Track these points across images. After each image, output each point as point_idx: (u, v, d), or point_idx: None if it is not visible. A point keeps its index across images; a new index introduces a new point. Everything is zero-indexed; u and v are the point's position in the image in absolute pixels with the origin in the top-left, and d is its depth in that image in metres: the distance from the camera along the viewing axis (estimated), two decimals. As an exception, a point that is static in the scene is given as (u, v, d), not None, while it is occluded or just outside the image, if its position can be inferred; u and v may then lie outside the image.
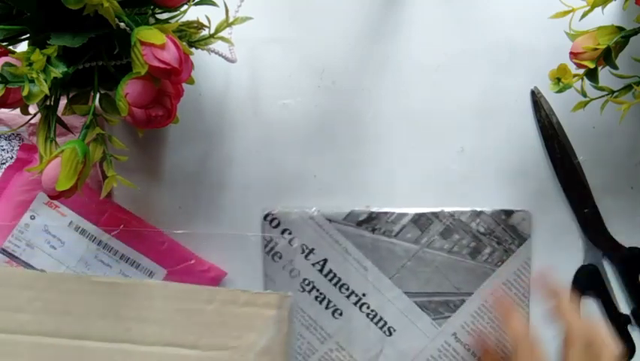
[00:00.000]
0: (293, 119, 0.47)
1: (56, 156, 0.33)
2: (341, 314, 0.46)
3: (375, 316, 0.46)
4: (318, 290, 0.46)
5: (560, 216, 0.47)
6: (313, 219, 0.45)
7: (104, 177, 0.40)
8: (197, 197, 0.47)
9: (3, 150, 0.46)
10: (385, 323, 0.46)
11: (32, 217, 0.45)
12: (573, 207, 0.47)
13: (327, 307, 0.46)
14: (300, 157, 0.47)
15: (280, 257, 0.46)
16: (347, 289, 0.46)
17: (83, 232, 0.46)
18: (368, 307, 0.46)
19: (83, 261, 0.46)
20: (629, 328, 0.47)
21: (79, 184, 0.33)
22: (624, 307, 0.47)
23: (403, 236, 0.45)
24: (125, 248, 0.46)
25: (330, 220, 0.45)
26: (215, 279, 0.47)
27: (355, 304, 0.46)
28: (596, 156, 0.47)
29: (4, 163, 0.46)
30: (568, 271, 0.47)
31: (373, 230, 0.45)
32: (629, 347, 0.47)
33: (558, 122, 0.46)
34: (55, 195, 0.33)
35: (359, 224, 0.45)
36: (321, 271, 0.45)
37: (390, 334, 0.46)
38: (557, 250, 0.47)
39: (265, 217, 0.45)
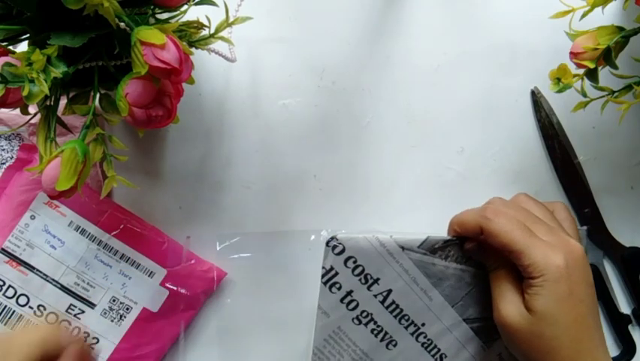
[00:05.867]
0: (293, 120, 0.47)
1: (56, 156, 0.33)
2: (395, 345, 0.42)
3: (430, 344, 0.43)
4: (375, 323, 0.42)
5: (560, 216, 0.47)
6: (384, 246, 0.40)
7: (104, 177, 0.40)
8: (197, 197, 0.47)
9: (3, 150, 0.46)
10: (439, 350, 0.43)
11: (32, 217, 0.45)
12: (573, 207, 0.47)
13: (382, 340, 0.42)
14: (300, 157, 0.47)
15: (339, 288, 0.41)
16: (407, 320, 0.42)
17: (83, 232, 0.46)
18: (425, 337, 0.42)
19: (83, 261, 0.46)
20: (630, 328, 0.47)
21: (79, 184, 0.33)
22: (624, 307, 0.47)
23: (473, 261, 0.41)
24: (125, 248, 0.46)
25: (403, 248, 0.40)
26: (215, 279, 0.47)
27: (412, 334, 0.42)
28: (596, 156, 0.47)
29: (4, 163, 0.46)
30: (568, 271, 0.47)
31: (446, 258, 0.41)
32: (630, 347, 0.47)
33: (558, 122, 0.46)
34: (55, 195, 0.33)
35: (433, 252, 0.41)
36: (382, 302, 0.41)
37: (441, 360, 0.43)
38: (557, 250, 0.47)
39: (328, 243, 0.40)
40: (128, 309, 0.46)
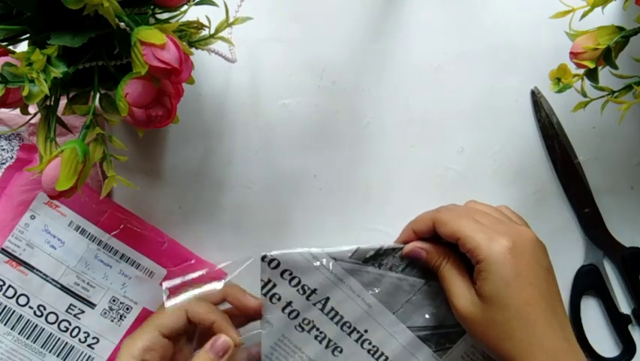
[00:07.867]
0: (293, 119, 0.47)
1: (56, 156, 0.33)
2: (341, 352, 0.43)
3: (376, 351, 0.43)
4: (318, 329, 0.43)
5: (560, 216, 0.47)
6: (317, 258, 0.42)
7: (104, 177, 0.40)
8: (197, 197, 0.47)
9: (3, 150, 0.46)
10: (387, 357, 0.44)
11: (32, 217, 0.45)
12: (573, 207, 0.47)
13: (327, 346, 0.43)
14: (300, 157, 0.47)
15: (279, 299, 0.42)
16: (349, 326, 0.43)
17: (83, 232, 0.46)
18: (370, 343, 0.43)
19: (83, 261, 0.46)
20: (630, 328, 0.47)
21: (79, 184, 0.33)
22: (625, 307, 0.47)
23: (409, 271, 0.43)
24: (125, 248, 0.46)
25: (335, 259, 0.42)
26: (215, 279, 0.47)
27: (357, 341, 0.43)
28: (596, 156, 0.47)
29: (4, 163, 0.46)
30: (568, 271, 0.47)
31: (380, 266, 0.42)
32: (630, 347, 0.47)
33: (558, 122, 0.46)
34: (55, 195, 0.33)
35: (365, 261, 0.42)
36: (322, 309, 0.43)
37: None
38: (557, 250, 0.47)
39: (263, 258, 0.42)
40: (128, 309, 0.46)
